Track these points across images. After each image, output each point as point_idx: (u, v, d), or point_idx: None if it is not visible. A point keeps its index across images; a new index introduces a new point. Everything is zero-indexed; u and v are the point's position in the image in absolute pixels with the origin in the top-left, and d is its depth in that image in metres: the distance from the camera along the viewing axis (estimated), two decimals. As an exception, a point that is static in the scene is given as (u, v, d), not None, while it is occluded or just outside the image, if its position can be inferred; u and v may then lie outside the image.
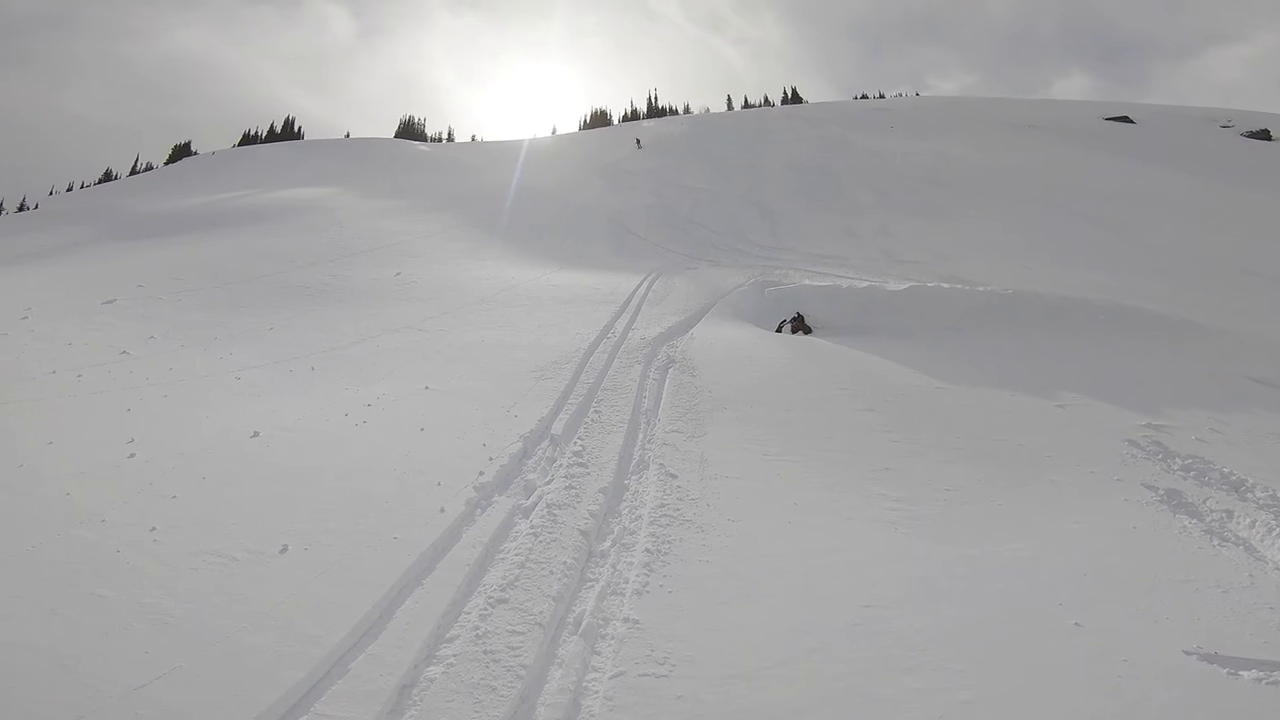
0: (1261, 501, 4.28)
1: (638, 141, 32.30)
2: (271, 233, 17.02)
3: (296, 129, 55.46)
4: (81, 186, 44.95)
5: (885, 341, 8.40)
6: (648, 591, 3.14)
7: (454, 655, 2.67)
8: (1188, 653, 2.73)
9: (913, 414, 5.83)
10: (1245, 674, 2.60)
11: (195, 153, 48.55)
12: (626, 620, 2.92)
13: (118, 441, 4.83)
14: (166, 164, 45.99)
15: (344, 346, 7.81)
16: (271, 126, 55.19)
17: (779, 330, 9.69)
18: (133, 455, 4.58)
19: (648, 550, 3.49)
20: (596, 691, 2.52)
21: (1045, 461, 4.91)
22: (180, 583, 3.07)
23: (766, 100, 57.47)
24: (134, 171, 48.18)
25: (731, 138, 32.77)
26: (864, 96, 55.84)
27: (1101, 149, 27.64)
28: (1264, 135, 32.90)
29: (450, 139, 57.38)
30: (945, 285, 10.03)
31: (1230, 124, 35.39)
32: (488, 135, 57.49)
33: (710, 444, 5.01)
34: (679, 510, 3.96)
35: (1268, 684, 2.54)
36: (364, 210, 20.30)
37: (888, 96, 54.26)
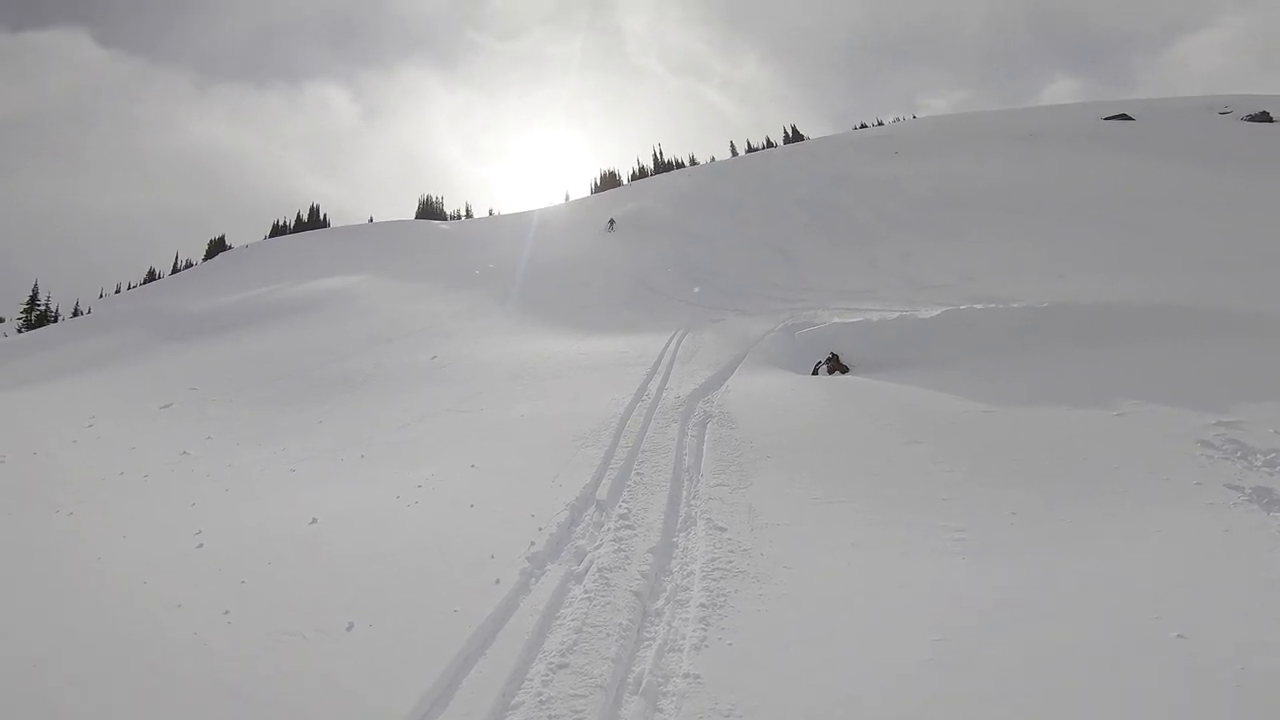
0: None
1: (610, 223, 29.53)
2: (308, 324, 17.79)
3: (322, 216, 58.52)
4: (129, 287, 47.85)
5: (924, 371, 8.27)
6: (706, 646, 3.10)
7: None
8: None
9: (962, 442, 5.69)
10: None
11: (230, 246, 51.39)
12: (686, 676, 2.89)
13: (186, 533, 5.06)
14: (205, 259, 48.79)
15: (389, 432, 8.03)
16: (299, 215, 58.37)
17: (815, 373, 9.56)
18: (201, 545, 4.78)
19: (702, 605, 3.46)
20: None
21: (1113, 473, 4.72)
22: (255, 661, 3.19)
23: (768, 141, 58.80)
24: (175, 269, 51.22)
25: (740, 183, 33.41)
26: (863, 125, 56.72)
27: (1107, 150, 27.41)
28: (1264, 117, 32.30)
29: (469, 214, 59.75)
30: (978, 306, 9.86)
31: (1229, 109, 34.90)
32: (503, 207, 59.90)
33: (757, 494, 4.97)
34: (731, 562, 3.92)
35: None
36: (393, 294, 21.09)
37: (886, 122, 55.03)
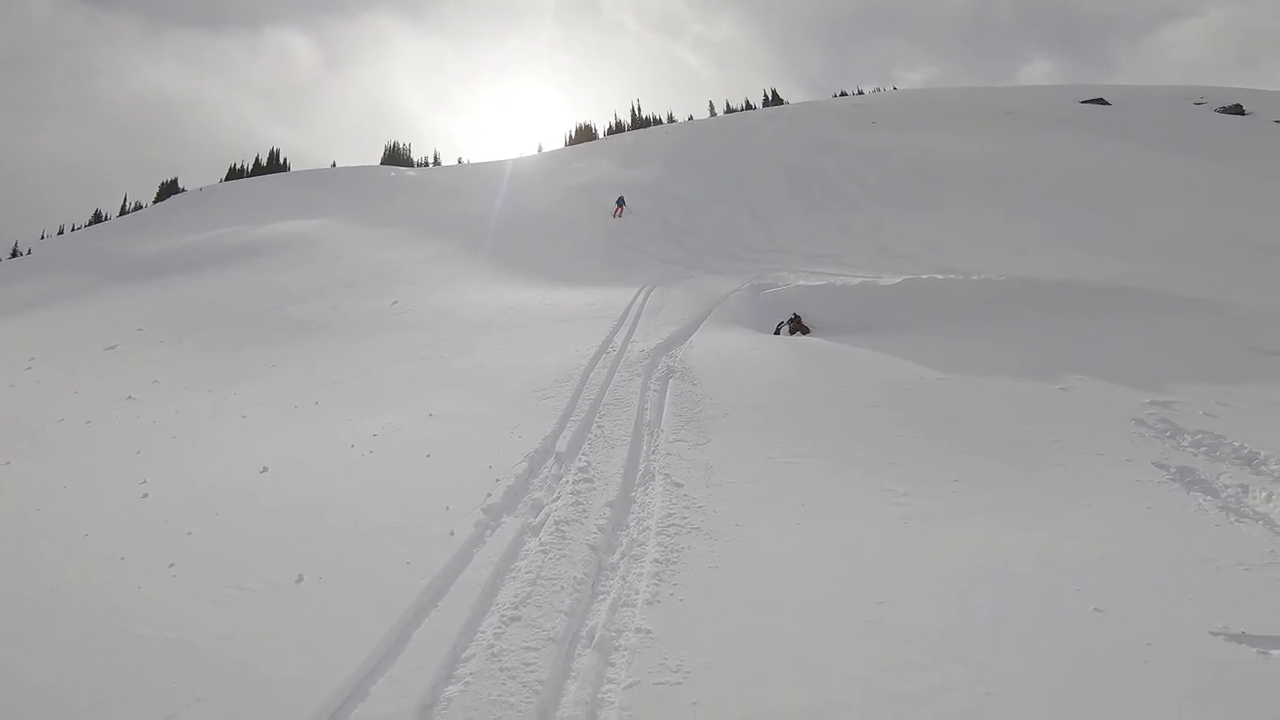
0: (1276, 474, 4.23)
1: (619, 205, 22.21)
2: (266, 268, 17.15)
3: (283, 161, 55.82)
4: (72, 229, 45.27)
5: (884, 337, 8.42)
6: (659, 601, 3.15)
7: (471, 674, 2.69)
8: (1214, 633, 2.67)
9: (915, 407, 5.83)
10: (1275, 652, 2.55)
11: (183, 190, 48.83)
12: (639, 630, 2.93)
13: (130, 483, 4.90)
14: (155, 203, 46.28)
15: (346, 379, 7.86)
16: (257, 159, 55.58)
17: (777, 332, 9.70)
18: (146, 496, 4.64)
19: (657, 560, 3.50)
20: (612, 703, 2.53)
21: (1052, 446, 4.89)
22: (201, 616, 3.13)
23: (748, 104, 57.95)
24: (124, 212, 48.57)
25: (718, 143, 32.96)
26: (843, 94, 56.24)
27: (1081, 132, 27.78)
28: (1237, 110, 33.13)
29: (437, 162, 57.76)
30: (939, 276, 10.04)
31: (1203, 100, 35.63)
32: (473, 157, 57.82)
33: (715, 451, 5.03)
34: (686, 519, 3.97)
35: None
36: (356, 240, 20.43)
37: (865, 92, 54.68)
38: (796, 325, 9.70)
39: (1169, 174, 20.57)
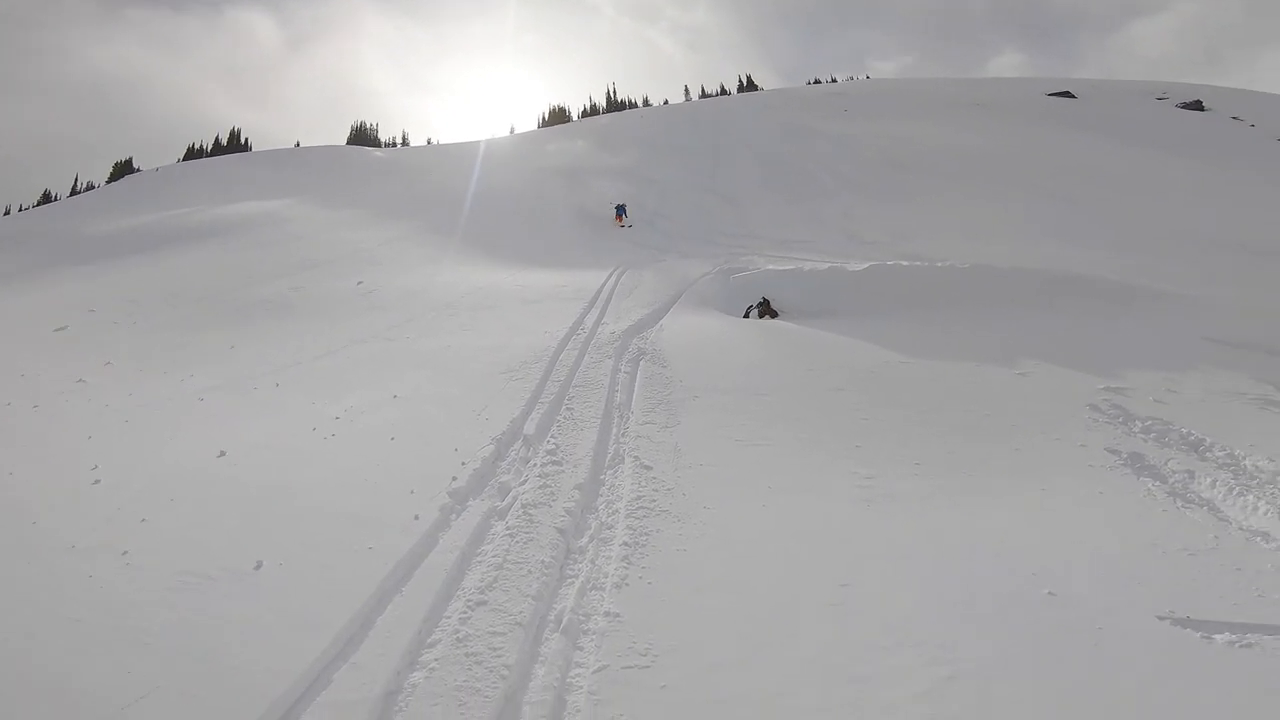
0: (1221, 461, 4.37)
1: (620, 213, 20.27)
2: (226, 249, 16.62)
3: (244, 141, 53.98)
4: (20, 209, 43.18)
5: (850, 321, 8.53)
6: (627, 584, 3.15)
7: (436, 660, 2.66)
8: (1161, 618, 2.74)
9: (880, 391, 5.93)
10: (1218, 637, 2.61)
11: (138, 170, 46.84)
12: (607, 614, 2.93)
13: (81, 468, 4.70)
14: (109, 183, 44.32)
15: (308, 361, 7.66)
16: (217, 139, 53.63)
17: (746, 316, 9.80)
18: (97, 481, 4.46)
19: (625, 544, 3.50)
20: (581, 687, 2.53)
21: (1010, 431, 5.01)
22: (157, 604, 3.03)
23: (723, 89, 57.91)
24: (75, 191, 46.48)
25: (693, 128, 32.90)
26: (816, 81, 56.53)
27: (1048, 125, 28.39)
28: (1197, 106, 34.24)
29: (405, 144, 56.48)
30: (904, 263, 10.24)
31: (1165, 96, 36.72)
32: (443, 139, 56.62)
33: (684, 433, 5.04)
34: (655, 501, 3.97)
35: (1240, 646, 2.55)
36: (321, 221, 19.90)
37: (839, 80, 55.00)
38: (765, 309, 9.81)
39: (1130, 167, 21.16)
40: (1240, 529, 3.52)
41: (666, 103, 54.48)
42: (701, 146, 28.74)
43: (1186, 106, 34.14)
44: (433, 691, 2.50)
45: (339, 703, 2.44)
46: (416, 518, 3.72)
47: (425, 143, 54.71)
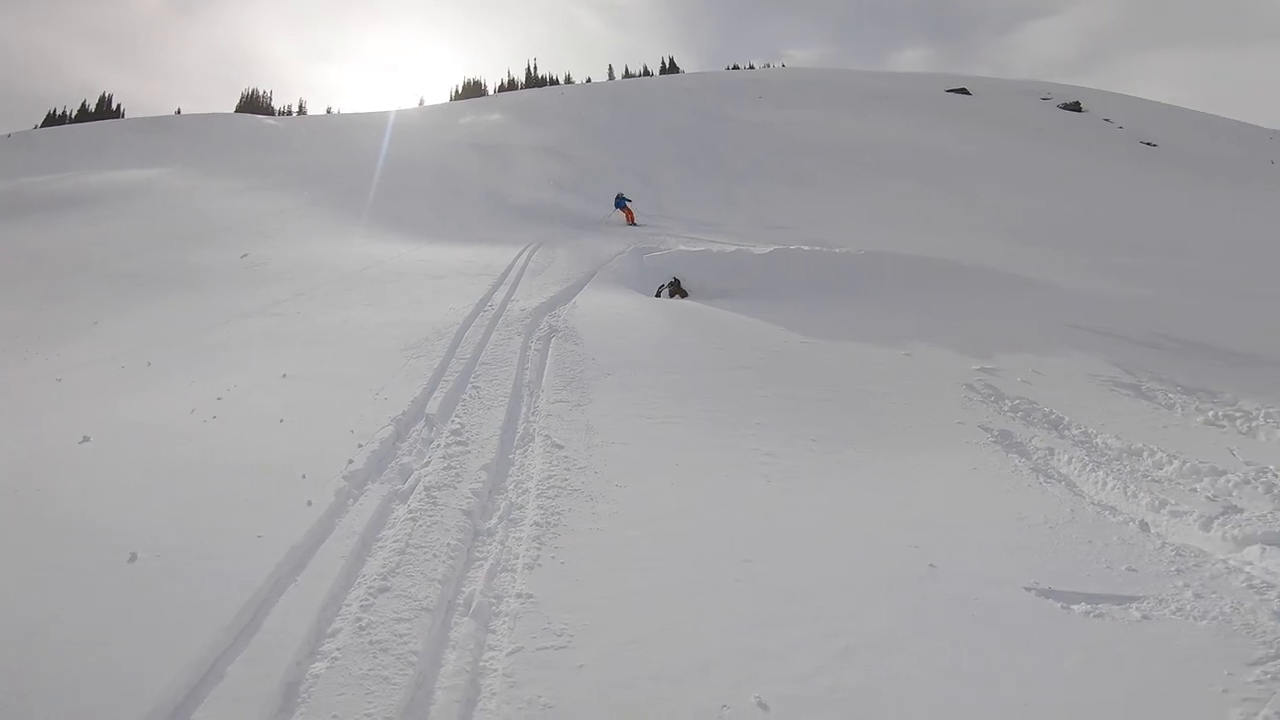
0: (1076, 439, 4.70)
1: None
2: (93, 217, 14.98)
3: (116, 107, 48.54)
4: None
5: (755, 302, 8.83)
6: (540, 565, 3.11)
7: (338, 649, 2.54)
8: (1027, 589, 2.92)
9: (781, 370, 6.15)
10: (1076, 607, 2.80)
11: (-14, 136, 40.96)
12: (520, 596, 2.88)
13: (-83, 460, 4.10)
14: (-51, 150, 38.48)
15: (185, 337, 7.03)
16: (84, 105, 47.94)
17: (658, 295, 9.97)
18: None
19: (537, 524, 3.46)
20: (495, 670, 2.48)
21: (897, 409, 5.32)
22: (15, 601, 2.72)
23: (646, 70, 57.83)
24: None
25: (615, 108, 32.74)
26: (735, 67, 57.46)
27: (946, 119, 30.25)
28: (1075, 107, 37.58)
29: (302, 112, 52.75)
30: (806, 248, 10.72)
31: (1049, 96, 40.04)
32: (348, 108, 53.26)
33: (596, 411, 5.03)
34: (567, 480, 3.95)
35: (1094, 616, 2.74)
36: (205, 190, 18.28)
37: (757, 67, 56.16)
38: (676, 289, 10.01)
39: (1016, 163, 22.99)
40: (1092, 503, 3.78)
41: (589, 81, 53.76)
42: (621, 126, 28.65)
43: (1066, 107, 37.36)
44: (337, 681, 2.39)
45: (234, 697, 2.29)
46: (310, 503, 3.50)
47: (325, 112, 51.26)
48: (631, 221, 16.14)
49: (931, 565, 3.11)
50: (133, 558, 3.01)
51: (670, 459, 4.32)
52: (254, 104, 52.44)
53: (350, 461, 4.00)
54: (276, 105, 53.71)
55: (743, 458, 4.36)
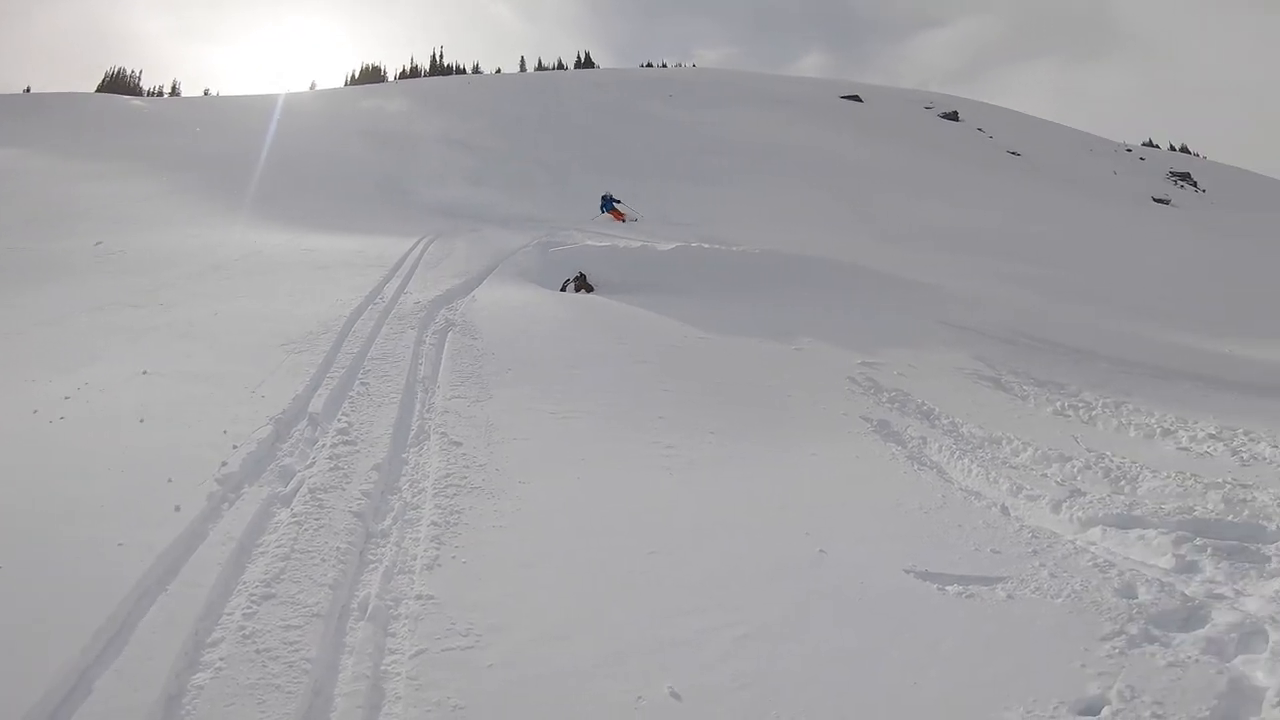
0: (945, 428, 5.11)
1: (579, 281, 12.86)
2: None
3: None
4: None
5: (657, 297, 9.00)
6: (439, 565, 3.02)
7: (221, 659, 2.37)
8: (907, 571, 3.11)
9: (681, 364, 6.33)
10: (950, 589, 2.99)
11: None
12: (419, 597, 2.79)
13: None
14: None
15: (24, 330, 6.23)
16: None
17: (563, 289, 9.93)
18: None
19: (435, 524, 3.35)
20: (399, 673, 2.38)
21: (788, 401, 5.59)
22: None
23: (560, 63, 57.18)
24: None
25: (523, 100, 32.23)
26: (648, 65, 58.00)
27: (840, 124, 32.04)
28: (954, 116, 40.88)
29: (175, 94, 48.14)
30: (706, 245, 11.11)
31: (931, 105, 43.30)
32: (228, 90, 48.94)
33: (496, 407, 4.95)
34: (466, 478, 3.86)
35: (966, 597, 2.93)
36: (54, 174, 16.28)
37: (669, 66, 56.99)
38: (581, 283, 10.01)
39: (901, 169, 24.77)
40: (960, 489, 4.00)
41: (499, 71, 52.41)
42: (529, 119, 28.25)
43: (946, 116, 40.52)
44: (224, 692, 2.23)
45: (105, 712, 2.10)
46: (178, 508, 3.21)
47: (202, 94, 46.98)
48: (620, 221, 15.61)
49: (821, 551, 3.27)
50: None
51: (573, 453, 4.33)
52: (119, 83, 47.09)
53: (224, 464, 3.71)
54: (145, 85, 48.65)
55: (644, 451, 4.44)
